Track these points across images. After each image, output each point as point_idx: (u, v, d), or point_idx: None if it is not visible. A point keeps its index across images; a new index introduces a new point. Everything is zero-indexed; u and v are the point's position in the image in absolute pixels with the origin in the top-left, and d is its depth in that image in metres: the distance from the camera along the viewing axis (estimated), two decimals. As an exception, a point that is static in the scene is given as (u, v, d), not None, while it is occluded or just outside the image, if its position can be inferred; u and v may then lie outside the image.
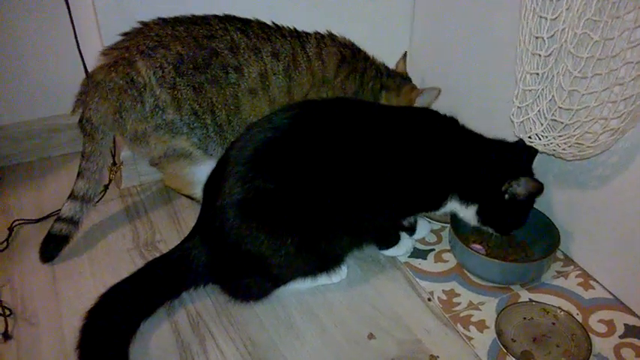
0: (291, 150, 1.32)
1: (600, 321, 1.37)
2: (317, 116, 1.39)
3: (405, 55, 1.88)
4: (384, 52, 1.84)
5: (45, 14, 1.81)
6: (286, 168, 1.30)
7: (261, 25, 1.59)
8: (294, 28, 1.64)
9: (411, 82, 1.83)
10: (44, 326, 1.36)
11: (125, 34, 1.50)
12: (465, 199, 1.44)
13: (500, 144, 1.45)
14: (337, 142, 1.34)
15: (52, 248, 1.51)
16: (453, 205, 1.45)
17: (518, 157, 1.42)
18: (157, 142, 1.52)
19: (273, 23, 1.62)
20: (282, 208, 1.30)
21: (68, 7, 1.58)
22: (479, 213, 1.44)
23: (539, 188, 1.37)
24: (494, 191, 1.39)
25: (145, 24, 1.51)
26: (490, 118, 1.52)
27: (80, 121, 1.49)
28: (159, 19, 1.52)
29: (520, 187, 1.37)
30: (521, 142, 1.40)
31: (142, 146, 1.53)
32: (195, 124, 1.53)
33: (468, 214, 1.45)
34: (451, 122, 1.46)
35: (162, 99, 1.47)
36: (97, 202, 1.62)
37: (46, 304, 1.42)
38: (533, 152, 1.42)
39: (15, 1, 1.79)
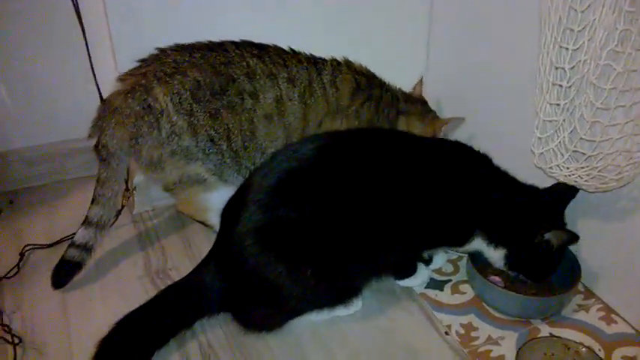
0: (316, 180, 1.31)
1: (623, 357, 1.32)
2: (343, 147, 1.38)
3: (421, 79, 1.86)
4: (401, 77, 1.82)
5: (60, 39, 1.82)
6: (309, 198, 1.29)
7: (277, 50, 1.59)
8: (311, 54, 1.64)
9: (429, 107, 1.82)
10: (53, 356, 1.33)
11: (142, 60, 1.50)
12: (493, 242, 1.42)
13: (534, 190, 1.44)
14: (364, 174, 1.33)
15: (64, 274, 1.50)
16: (478, 244, 1.43)
17: (552, 204, 1.41)
18: (172, 167, 1.51)
19: (290, 49, 1.61)
20: (303, 238, 1.28)
21: (84, 33, 1.59)
22: (507, 258, 1.42)
23: (572, 239, 1.37)
24: (526, 240, 1.38)
25: (162, 50, 1.51)
26: (509, 147, 1.49)
27: (96, 146, 1.48)
28: (176, 45, 1.52)
29: (553, 239, 1.36)
30: (558, 186, 1.39)
31: (157, 172, 1.52)
32: (210, 150, 1.52)
33: (495, 256, 1.43)
34: (484, 160, 1.45)
35: (178, 125, 1.47)
36: (110, 227, 1.61)
37: (56, 332, 1.39)
38: (570, 195, 1.41)
39: (30, 27, 1.80)
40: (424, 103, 1.81)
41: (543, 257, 1.39)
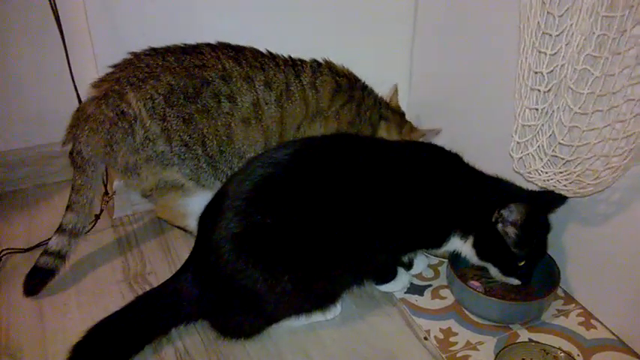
0: (291, 186, 1.30)
1: (602, 363, 1.32)
2: (318, 152, 1.37)
3: (396, 88, 1.86)
4: (384, 85, 1.83)
5: (41, 44, 1.80)
6: (285, 204, 1.28)
7: (254, 53, 1.57)
8: (290, 57, 1.62)
9: (406, 119, 1.84)
10: (28, 361, 1.32)
11: (115, 65, 1.48)
12: (464, 233, 1.40)
13: (506, 182, 1.42)
14: (338, 179, 1.32)
15: (36, 282, 1.48)
16: (455, 244, 1.41)
17: (519, 191, 1.39)
18: (148, 173, 1.49)
19: (268, 51, 1.60)
20: (280, 244, 1.27)
21: (62, 37, 1.57)
22: (474, 245, 1.39)
23: (529, 212, 1.31)
24: (486, 220, 1.35)
25: (135, 54, 1.49)
26: (490, 152, 1.49)
27: (71, 153, 1.47)
28: (150, 49, 1.50)
29: (514, 215, 1.31)
30: (547, 193, 1.37)
31: (133, 178, 1.50)
32: (185, 155, 1.50)
33: (467, 248, 1.41)
34: (455, 159, 1.44)
35: (152, 130, 1.45)
36: (88, 231, 1.60)
37: (31, 337, 1.38)
38: (557, 202, 1.38)
39: (11, 31, 1.78)
40: (402, 114, 1.82)
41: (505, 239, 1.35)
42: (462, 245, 1.41)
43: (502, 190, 1.39)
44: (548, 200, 1.38)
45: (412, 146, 1.54)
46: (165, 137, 1.46)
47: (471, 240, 1.39)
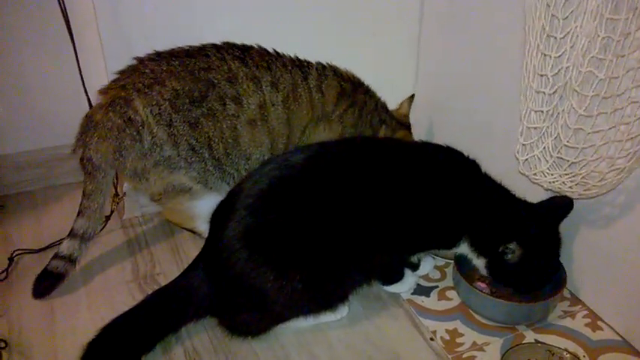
0: (306, 187, 1.31)
1: (608, 364, 1.32)
2: (334, 155, 1.39)
3: (412, 97, 1.86)
4: (390, 88, 1.83)
5: (51, 47, 1.82)
6: (299, 205, 1.30)
7: (261, 52, 1.57)
8: (296, 57, 1.63)
9: (409, 127, 1.84)
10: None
11: (120, 71, 1.49)
12: (476, 249, 1.42)
13: (518, 201, 1.42)
14: (354, 180, 1.33)
15: (46, 285, 1.50)
16: (465, 249, 1.43)
17: (528, 217, 1.39)
18: (156, 177, 1.51)
19: (275, 51, 1.60)
20: (292, 244, 1.28)
21: (72, 41, 1.59)
22: (487, 267, 1.42)
23: (526, 254, 1.36)
24: (495, 250, 1.38)
25: (140, 60, 1.50)
26: (496, 152, 1.50)
27: (81, 160, 1.48)
28: (155, 53, 1.51)
29: (516, 252, 1.35)
30: (553, 200, 1.39)
31: (142, 183, 1.52)
32: (192, 159, 1.51)
33: (479, 263, 1.43)
34: (472, 166, 1.44)
35: (159, 136, 1.46)
36: (98, 233, 1.61)
37: (42, 337, 1.40)
38: (564, 210, 1.39)
39: (22, 35, 1.80)
40: (403, 123, 1.82)
41: (515, 269, 1.37)
42: (473, 257, 1.43)
43: (512, 221, 1.39)
44: (558, 209, 1.39)
45: (430, 148, 1.54)
46: (172, 142, 1.48)
47: (484, 260, 1.42)
